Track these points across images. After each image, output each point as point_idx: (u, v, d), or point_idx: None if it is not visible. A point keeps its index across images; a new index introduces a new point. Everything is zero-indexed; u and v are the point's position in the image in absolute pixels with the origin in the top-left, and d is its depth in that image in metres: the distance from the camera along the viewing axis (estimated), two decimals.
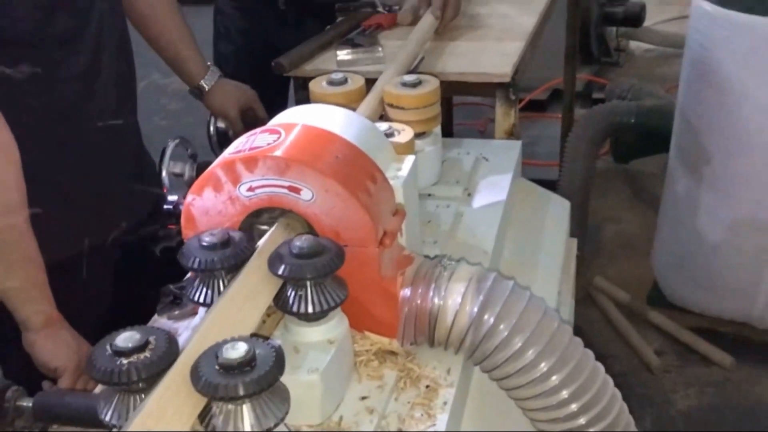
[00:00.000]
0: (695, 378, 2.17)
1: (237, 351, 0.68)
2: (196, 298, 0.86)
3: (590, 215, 2.95)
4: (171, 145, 1.32)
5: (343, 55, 1.62)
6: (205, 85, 1.47)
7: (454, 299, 0.89)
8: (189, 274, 0.93)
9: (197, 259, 0.85)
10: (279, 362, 0.70)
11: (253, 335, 0.81)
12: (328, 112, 0.99)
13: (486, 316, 0.88)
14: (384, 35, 1.72)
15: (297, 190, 0.87)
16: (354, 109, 1.23)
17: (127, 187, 1.28)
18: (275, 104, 1.46)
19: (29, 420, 0.87)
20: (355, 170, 0.89)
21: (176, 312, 1.02)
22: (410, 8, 1.73)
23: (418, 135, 1.25)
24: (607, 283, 2.53)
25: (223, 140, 1.51)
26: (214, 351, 0.69)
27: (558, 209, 1.45)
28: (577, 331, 2.26)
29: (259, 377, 0.68)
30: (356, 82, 1.29)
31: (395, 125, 1.11)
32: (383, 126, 1.09)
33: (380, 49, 1.62)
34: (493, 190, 1.31)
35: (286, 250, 0.83)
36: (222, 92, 1.49)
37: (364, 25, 1.76)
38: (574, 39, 2.91)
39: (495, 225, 1.22)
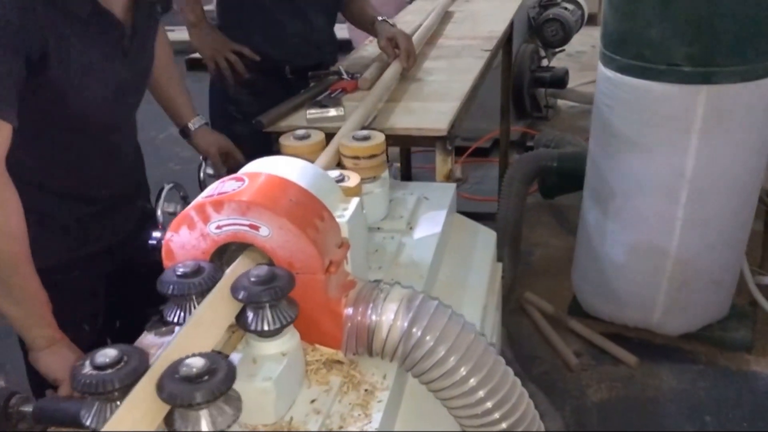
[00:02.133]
0: (606, 375, 2.16)
1: (195, 365, 0.67)
2: (172, 319, 0.84)
3: (522, 241, 2.95)
4: (166, 189, 1.30)
5: (312, 114, 1.61)
6: (191, 127, 1.47)
7: (387, 316, 0.88)
8: None
9: (172, 286, 0.83)
10: (230, 374, 0.68)
11: (217, 352, 0.79)
12: (287, 163, 0.97)
13: (414, 330, 0.87)
14: (347, 98, 1.72)
15: (256, 228, 0.86)
16: (313, 160, 1.24)
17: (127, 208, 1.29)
18: None
19: (30, 423, 0.84)
20: (305, 211, 0.88)
21: (162, 329, 0.99)
22: (368, 77, 1.74)
23: (368, 179, 1.25)
24: (535, 297, 2.52)
25: (211, 183, 1.49)
26: (176, 365, 0.67)
27: (486, 239, 1.44)
28: (510, 337, 2.27)
29: (213, 387, 0.66)
30: (317, 137, 1.28)
31: (345, 172, 1.10)
32: (335, 173, 1.08)
33: (342, 109, 1.62)
34: (431, 224, 1.30)
35: (245, 278, 0.82)
36: (205, 135, 1.50)
37: (331, 89, 1.76)
38: (507, 99, 2.94)
39: (430, 253, 1.20)
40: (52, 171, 1.17)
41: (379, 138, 1.24)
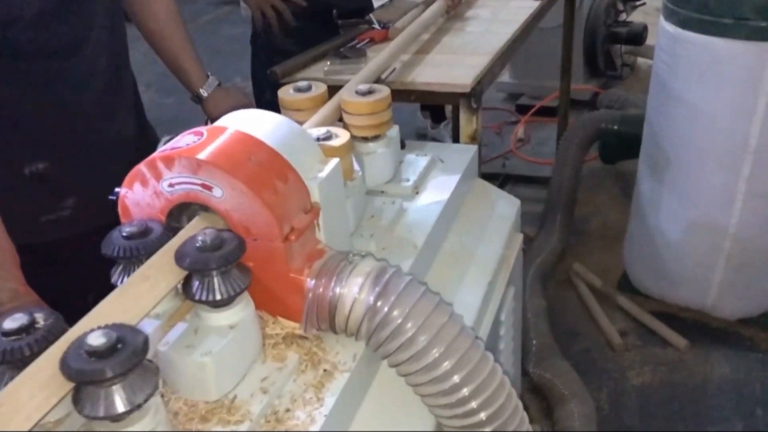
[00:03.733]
0: (652, 357, 2.03)
1: (102, 338, 0.61)
2: (116, 283, 0.79)
3: (580, 208, 2.80)
4: (164, 140, 1.25)
5: (331, 66, 1.53)
6: (203, 93, 1.39)
7: (351, 289, 0.80)
8: None
9: (116, 247, 0.78)
10: (141, 347, 0.62)
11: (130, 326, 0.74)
12: (261, 118, 0.90)
13: (380, 304, 0.79)
14: (374, 48, 1.62)
15: (209, 188, 0.79)
16: (312, 114, 1.16)
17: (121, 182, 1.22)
18: None
19: None
20: (264, 171, 0.80)
21: None
22: (401, 26, 1.63)
23: (371, 138, 1.16)
24: (583, 269, 2.39)
25: None
26: (82, 339, 0.62)
27: (506, 207, 1.34)
28: (553, 310, 2.15)
29: (121, 360, 0.61)
30: (318, 89, 1.20)
31: (335, 129, 1.02)
32: (321, 131, 1.00)
33: (365, 60, 1.52)
34: (440, 189, 1.20)
35: (191, 243, 0.76)
36: (218, 99, 1.40)
37: (358, 39, 1.67)
38: (569, 55, 2.75)
39: (431, 221, 1.11)
40: (13, 106, 1.08)
41: (383, 92, 1.14)
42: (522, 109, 3.98)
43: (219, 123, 0.89)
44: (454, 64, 1.49)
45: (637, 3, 4.24)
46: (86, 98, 1.14)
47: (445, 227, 1.18)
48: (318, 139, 0.99)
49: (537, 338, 1.94)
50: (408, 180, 1.21)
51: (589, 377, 1.93)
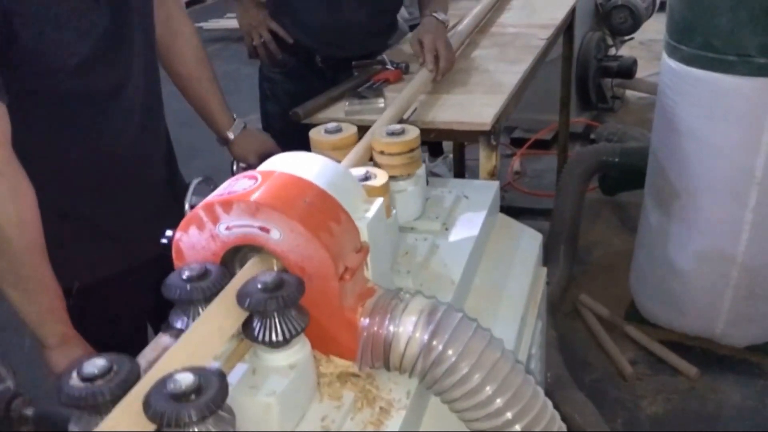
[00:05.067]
0: (663, 386, 2.04)
1: (184, 381, 0.63)
2: (177, 326, 0.81)
3: (581, 239, 2.84)
4: (194, 182, 1.27)
5: (350, 106, 1.56)
6: (230, 135, 1.41)
7: (406, 328, 0.82)
8: None
9: (176, 291, 0.80)
10: (221, 392, 0.63)
11: (199, 369, 0.75)
12: (306, 160, 0.92)
13: (435, 343, 0.81)
14: (390, 89, 1.66)
15: (267, 230, 0.81)
16: (344, 155, 1.18)
17: (155, 222, 1.23)
18: None
19: (31, 427, 0.82)
20: (320, 213, 0.82)
21: (175, 331, 0.96)
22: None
23: (402, 177, 1.19)
24: (590, 300, 2.41)
25: None
26: (165, 380, 0.63)
27: (530, 241, 1.36)
28: (563, 341, 2.17)
29: (202, 405, 0.62)
30: (349, 131, 1.23)
31: (373, 170, 1.05)
32: (361, 171, 1.02)
33: (382, 101, 1.56)
34: (468, 225, 1.23)
35: (252, 285, 0.78)
36: (244, 142, 1.42)
37: (374, 80, 1.70)
38: (568, 90, 2.81)
39: (465, 257, 1.14)
40: (57, 154, 1.10)
41: (413, 133, 1.17)
42: (517, 143, 4.04)
43: (266, 166, 0.91)
44: (471, 103, 1.53)
45: (626, 38, 4.34)
46: (125, 141, 1.16)
47: (475, 263, 1.20)
48: (365, 179, 1.01)
49: (551, 369, 1.96)
50: (437, 217, 1.23)
51: (603, 408, 1.94)
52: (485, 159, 1.46)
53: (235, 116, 1.43)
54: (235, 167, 1.45)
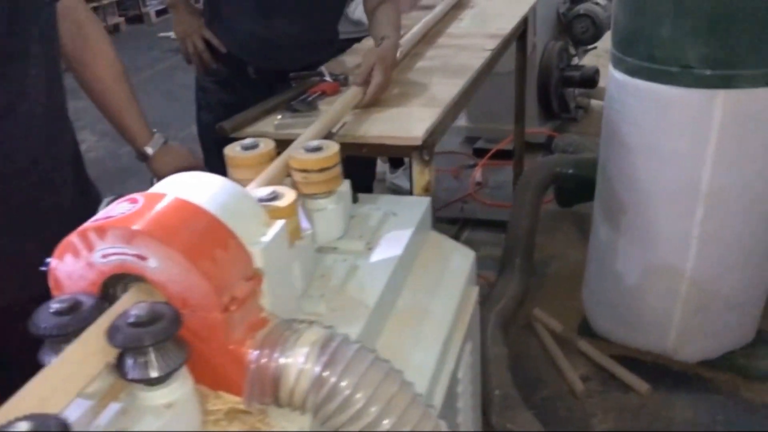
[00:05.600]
0: (615, 403, 2.01)
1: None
2: (45, 363, 0.74)
3: (539, 252, 2.81)
4: (105, 201, 1.21)
5: (281, 119, 1.51)
6: (149, 151, 1.35)
7: (297, 359, 0.77)
8: None
9: (43, 325, 0.73)
10: None
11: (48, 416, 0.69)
12: (200, 181, 0.87)
13: (327, 375, 0.76)
14: (326, 102, 1.60)
15: (144, 258, 0.75)
16: (260, 172, 1.13)
17: None
18: None
19: None
20: (203, 239, 0.77)
21: None
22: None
23: (321, 195, 1.14)
24: (544, 314, 2.38)
25: None
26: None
27: (461, 260, 1.31)
28: (516, 357, 2.13)
29: None
30: (266, 147, 1.17)
31: (280, 189, 0.99)
32: (266, 191, 0.97)
33: (317, 114, 1.51)
34: (393, 244, 1.18)
35: (123, 319, 0.72)
36: (164, 158, 1.36)
37: (310, 92, 1.65)
38: (522, 100, 2.79)
39: (384, 279, 1.08)
40: None
41: (331, 149, 1.12)
42: (479, 153, 4.02)
43: (157, 188, 0.85)
44: (405, 117, 1.49)
45: (588, 47, 4.35)
46: (20, 164, 1.09)
47: (398, 284, 1.15)
48: (263, 200, 0.96)
49: (500, 388, 1.91)
50: (360, 236, 1.18)
51: (553, 426, 1.90)
52: (418, 174, 1.41)
53: (155, 131, 1.37)
54: (155, 184, 1.39)
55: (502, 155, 3.86)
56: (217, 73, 1.92)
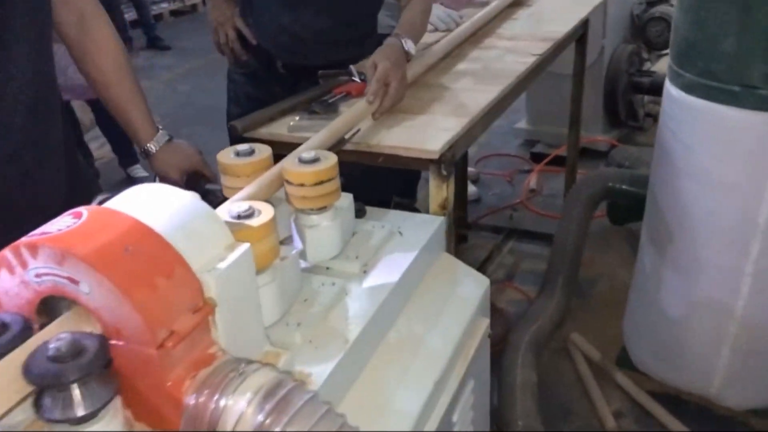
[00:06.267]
0: None
1: None
2: None
3: (587, 269, 2.66)
4: (96, 201, 1.16)
5: (297, 121, 1.43)
6: (151, 148, 1.30)
7: (238, 405, 0.69)
8: None
9: None
10: None
11: None
12: (160, 197, 0.80)
13: (269, 422, 0.68)
14: (349, 103, 1.52)
15: (76, 282, 0.69)
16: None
17: None
18: None
19: None
20: (142, 264, 0.70)
21: None
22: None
23: (313, 210, 1.05)
24: (581, 339, 2.24)
25: None
26: None
27: (472, 288, 1.21)
28: (545, 383, 2.00)
29: None
30: (262, 154, 1.10)
31: (258, 205, 0.91)
32: (242, 207, 0.89)
33: (334, 117, 1.42)
34: (391, 267, 1.09)
35: (42, 351, 0.65)
36: (167, 156, 1.30)
37: (335, 92, 1.57)
38: (578, 106, 2.63)
39: (373, 308, 1.00)
40: None
41: (328, 161, 1.04)
42: (537, 158, 3.86)
43: (111, 202, 0.79)
44: (426, 126, 1.39)
45: (663, 52, 4.11)
46: (2, 152, 1.05)
47: (391, 313, 1.06)
48: (239, 217, 0.88)
49: (523, 418, 1.80)
50: (357, 256, 1.10)
51: None
52: (435, 190, 1.31)
53: (160, 127, 1.32)
54: (156, 182, 1.34)
55: (561, 161, 3.69)
56: (247, 66, 1.86)
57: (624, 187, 2.42)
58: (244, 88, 1.87)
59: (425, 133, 1.34)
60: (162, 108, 4.95)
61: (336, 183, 1.06)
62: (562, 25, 2.15)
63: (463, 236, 3.08)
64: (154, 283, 0.69)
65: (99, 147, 4.27)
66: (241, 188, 1.05)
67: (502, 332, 2.38)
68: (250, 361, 0.75)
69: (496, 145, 4.04)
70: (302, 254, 1.08)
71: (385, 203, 1.29)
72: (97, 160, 4.15)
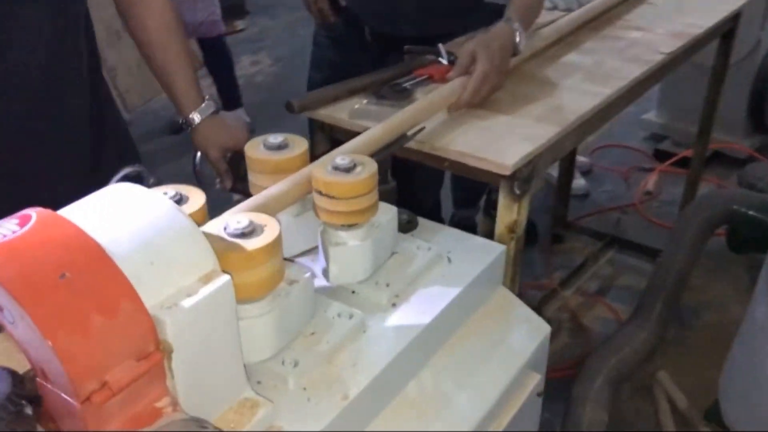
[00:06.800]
0: None
1: None
2: None
3: (693, 295, 2.39)
4: (121, 173, 1.07)
5: (363, 105, 1.28)
6: (194, 119, 1.19)
7: None
8: None
9: None
10: None
11: None
12: (130, 205, 0.68)
13: None
14: (429, 89, 1.34)
15: (1, 309, 0.58)
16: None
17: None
18: None
19: None
20: (77, 297, 0.58)
21: None
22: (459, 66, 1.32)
23: (342, 227, 0.91)
24: (669, 381, 2.00)
25: (203, 176, 1.25)
26: None
27: (528, 336, 1.04)
28: (622, 423, 1.80)
29: None
30: (297, 148, 0.96)
31: (262, 219, 0.78)
32: (243, 222, 0.76)
33: (407, 104, 1.26)
34: (428, 303, 0.94)
35: None
36: (209, 130, 1.19)
37: (416, 73, 1.40)
38: (711, 110, 2.31)
39: (391, 354, 0.85)
40: None
41: (366, 170, 0.89)
42: (661, 156, 3.52)
43: (67, 210, 0.67)
44: (509, 130, 1.20)
45: None
46: (33, 62, 0.97)
47: (416, 362, 0.91)
48: (236, 234, 0.75)
49: None
50: (388, 283, 0.95)
51: None
52: (504, 209, 1.13)
53: (206, 97, 1.20)
54: (197, 160, 1.23)
55: (689, 164, 3.35)
56: (333, 29, 1.73)
57: (751, 213, 2.12)
58: (328, 53, 1.75)
59: (503, 141, 1.16)
60: (278, 50, 4.90)
61: (373, 197, 0.91)
62: (706, 17, 1.86)
63: (558, 236, 2.85)
64: (88, 322, 0.58)
65: (207, 87, 4.27)
66: (265, 188, 0.92)
67: (581, 353, 2.18)
68: (204, 425, 0.62)
69: (617, 134, 3.70)
70: (325, 272, 0.95)
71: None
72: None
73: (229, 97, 4.02)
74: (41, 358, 0.58)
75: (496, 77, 1.25)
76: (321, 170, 0.89)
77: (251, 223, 0.76)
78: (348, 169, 0.89)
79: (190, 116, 1.18)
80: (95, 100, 1.10)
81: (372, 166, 0.90)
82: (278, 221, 0.78)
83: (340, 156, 0.90)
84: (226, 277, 0.68)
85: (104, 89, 1.17)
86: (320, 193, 0.89)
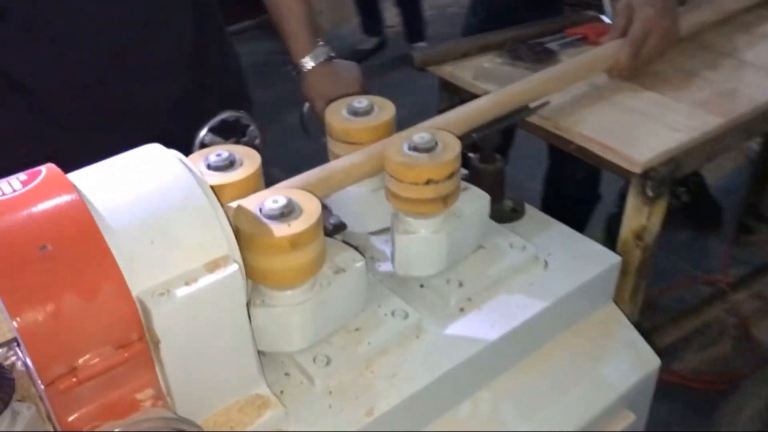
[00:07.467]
0: None
1: None
2: None
3: None
4: (219, 117, 1.07)
5: (493, 63, 1.15)
6: (305, 64, 1.12)
7: None
8: None
9: None
10: None
11: None
12: (151, 168, 0.64)
13: None
14: (579, 52, 1.18)
15: None
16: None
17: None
18: None
19: None
20: (53, 275, 0.55)
21: None
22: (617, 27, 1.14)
23: (413, 214, 0.82)
24: None
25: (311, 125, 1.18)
26: None
27: (627, 367, 0.90)
28: None
29: None
30: (382, 115, 0.87)
31: (305, 199, 0.71)
32: (280, 202, 0.69)
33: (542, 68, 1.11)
34: (504, 314, 0.82)
35: None
36: (319, 78, 1.12)
37: (567, 32, 1.24)
38: None
39: (436, 373, 0.76)
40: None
41: (449, 153, 0.78)
42: None
43: (75, 174, 0.64)
44: (653, 115, 1.01)
45: None
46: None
47: (474, 381, 0.81)
48: (275, 216, 0.69)
49: None
50: (462, 284, 0.84)
51: None
52: (633, 211, 0.96)
53: (320, 42, 1.13)
54: (305, 110, 1.17)
55: None
56: None
57: None
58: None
59: (644, 127, 0.98)
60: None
61: (453, 184, 0.80)
62: None
63: (747, 226, 2.52)
64: (60, 302, 0.55)
65: (396, 14, 4.17)
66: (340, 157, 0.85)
67: (743, 367, 1.93)
68: (178, 426, 0.58)
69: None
70: (393, 258, 0.86)
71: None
72: (388, 27, 4.11)
73: (411, 27, 3.93)
74: (15, 332, 0.56)
75: (658, 40, 1.06)
76: (394, 150, 0.79)
77: (289, 203, 0.69)
78: (426, 149, 0.79)
79: (302, 61, 1.12)
80: (200, 34, 1.07)
81: (455, 148, 0.79)
82: (320, 202, 0.71)
83: (419, 133, 0.80)
84: (234, 267, 0.62)
85: (215, 24, 1.13)
86: (389, 174, 0.80)
